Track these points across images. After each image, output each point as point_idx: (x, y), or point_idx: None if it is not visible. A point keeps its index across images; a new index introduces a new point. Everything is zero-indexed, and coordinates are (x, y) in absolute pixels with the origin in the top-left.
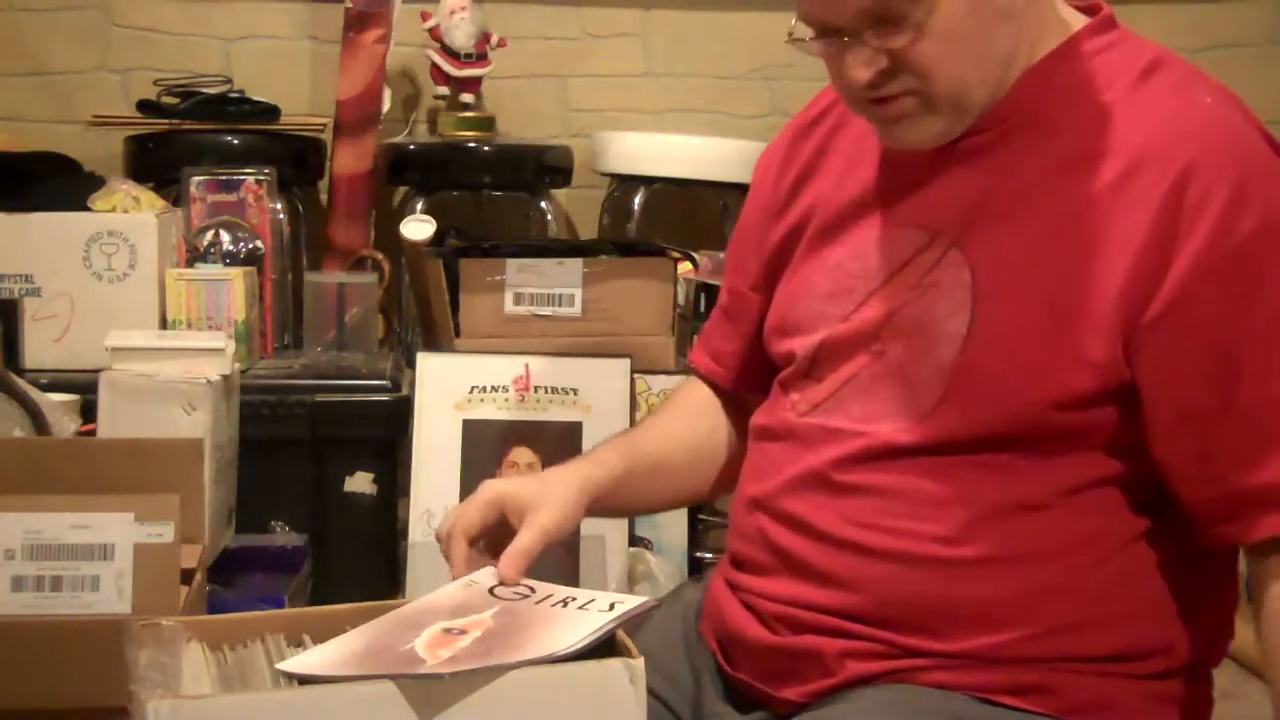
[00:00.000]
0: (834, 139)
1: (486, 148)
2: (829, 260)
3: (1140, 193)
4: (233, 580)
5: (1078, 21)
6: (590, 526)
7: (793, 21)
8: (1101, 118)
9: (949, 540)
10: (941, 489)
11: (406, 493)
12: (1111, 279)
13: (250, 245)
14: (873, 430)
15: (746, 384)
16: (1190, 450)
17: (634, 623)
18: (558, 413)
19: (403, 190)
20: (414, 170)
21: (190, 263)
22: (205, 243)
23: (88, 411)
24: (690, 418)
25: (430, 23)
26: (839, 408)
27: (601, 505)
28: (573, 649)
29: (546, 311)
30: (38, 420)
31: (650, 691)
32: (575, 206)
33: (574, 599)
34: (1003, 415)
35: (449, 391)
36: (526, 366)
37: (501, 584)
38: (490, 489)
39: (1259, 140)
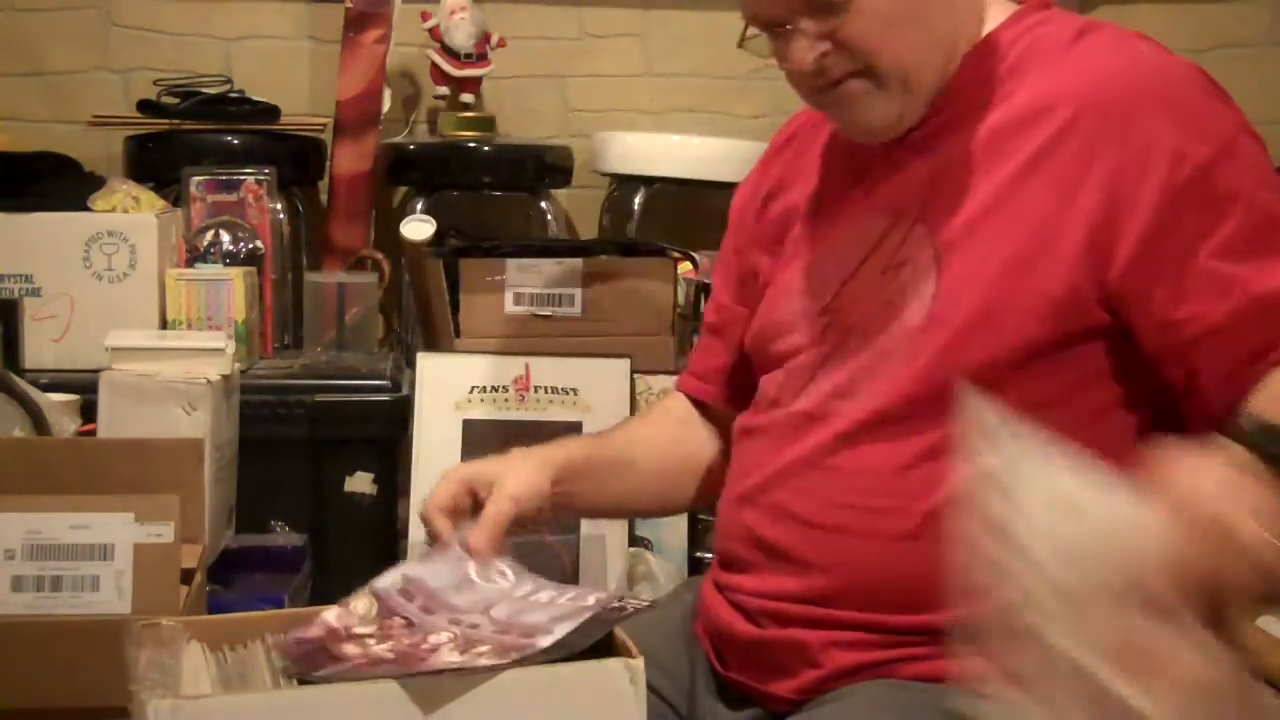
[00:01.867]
0: (801, 157)
1: (486, 148)
2: (803, 262)
3: (1087, 138)
4: (233, 580)
5: (1015, 6)
6: (590, 526)
7: (743, 28)
8: (1039, 80)
9: (924, 514)
10: (921, 461)
11: (406, 493)
12: (1071, 224)
13: (250, 245)
14: (852, 410)
15: (735, 398)
16: (1207, 367)
17: (632, 623)
18: (557, 413)
19: (403, 190)
20: (414, 170)
21: (190, 263)
22: (205, 243)
23: (88, 411)
24: (661, 424)
25: (430, 23)
26: (819, 394)
27: (565, 489)
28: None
29: (546, 311)
30: (38, 420)
31: (651, 688)
32: (575, 206)
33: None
34: (971, 367)
35: (449, 391)
36: (526, 366)
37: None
38: (456, 470)
39: (1193, 73)
